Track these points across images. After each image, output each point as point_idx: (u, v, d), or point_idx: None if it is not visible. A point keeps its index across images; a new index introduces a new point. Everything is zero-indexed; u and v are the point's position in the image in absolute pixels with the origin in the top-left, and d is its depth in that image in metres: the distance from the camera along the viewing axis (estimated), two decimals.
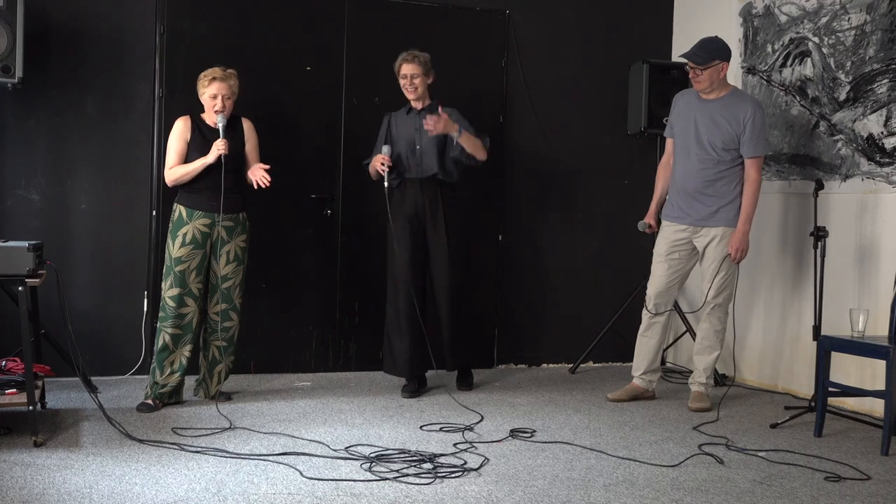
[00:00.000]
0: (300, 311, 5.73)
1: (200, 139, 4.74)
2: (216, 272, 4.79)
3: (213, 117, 4.76)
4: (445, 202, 5.20)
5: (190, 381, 4.97)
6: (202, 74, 4.77)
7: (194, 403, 4.80)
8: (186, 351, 4.74)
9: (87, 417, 4.43)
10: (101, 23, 5.31)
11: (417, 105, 5.19)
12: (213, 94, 4.73)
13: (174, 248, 4.69)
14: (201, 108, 4.82)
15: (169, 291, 4.69)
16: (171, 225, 4.74)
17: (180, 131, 4.76)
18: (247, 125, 4.92)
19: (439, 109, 4.98)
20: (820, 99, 5.38)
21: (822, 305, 4.83)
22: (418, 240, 5.18)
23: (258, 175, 4.75)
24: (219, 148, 4.65)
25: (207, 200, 4.71)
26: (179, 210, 4.72)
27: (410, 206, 5.16)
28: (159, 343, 4.70)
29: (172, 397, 4.75)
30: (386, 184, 5.02)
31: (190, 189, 4.72)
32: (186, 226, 4.69)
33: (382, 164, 5.03)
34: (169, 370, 4.70)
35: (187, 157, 4.73)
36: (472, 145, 5.07)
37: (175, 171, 4.72)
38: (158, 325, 4.72)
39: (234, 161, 4.76)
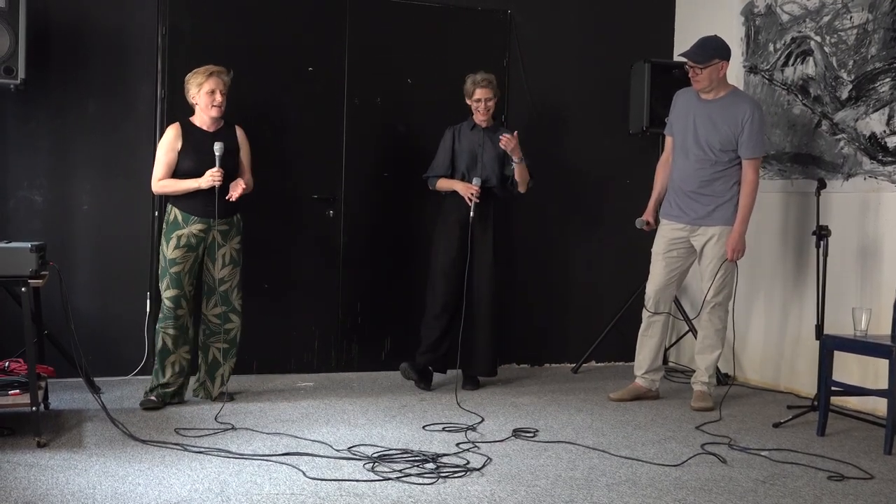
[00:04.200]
0: (302, 312, 5.73)
1: (192, 146, 4.69)
2: (212, 274, 4.79)
3: (209, 113, 4.70)
4: (497, 213, 5.38)
5: (191, 381, 4.99)
6: (193, 73, 4.73)
7: (197, 404, 4.80)
8: (185, 352, 4.77)
9: (90, 418, 4.43)
10: (102, 24, 5.31)
11: (483, 123, 5.37)
12: (211, 89, 4.68)
13: (168, 250, 4.69)
14: (190, 113, 4.80)
15: (167, 293, 4.71)
16: (165, 227, 4.74)
17: (170, 141, 4.71)
18: (240, 133, 4.90)
19: (514, 133, 5.22)
20: (822, 98, 5.38)
21: (824, 304, 4.83)
22: (464, 244, 5.27)
23: (237, 191, 4.72)
24: (215, 179, 4.61)
25: (204, 206, 4.68)
26: (175, 213, 4.71)
27: (465, 212, 5.25)
28: (159, 344, 4.73)
29: (175, 397, 4.78)
30: (472, 214, 5.20)
31: (186, 193, 4.70)
32: (182, 230, 4.69)
33: (473, 195, 5.20)
34: (171, 371, 4.72)
35: (178, 166, 4.69)
36: (522, 175, 5.31)
37: (164, 185, 4.70)
38: (158, 326, 4.75)
39: (229, 167, 4.73)
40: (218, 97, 4.70)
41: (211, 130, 4.75)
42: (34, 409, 3.95)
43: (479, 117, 5.34)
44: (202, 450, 3.93)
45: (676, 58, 6.01)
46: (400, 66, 5.87)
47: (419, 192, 5.62)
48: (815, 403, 4.73)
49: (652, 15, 6.47)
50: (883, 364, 4.43)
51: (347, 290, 5.82)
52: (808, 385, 5.35)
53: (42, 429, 3.98)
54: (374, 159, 5.85)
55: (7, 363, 4.42)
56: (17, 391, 4.08)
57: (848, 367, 4.97)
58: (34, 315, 4.33)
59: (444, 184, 5.38)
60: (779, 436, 4.50)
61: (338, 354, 5.82)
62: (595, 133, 6.34)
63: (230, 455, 3.87)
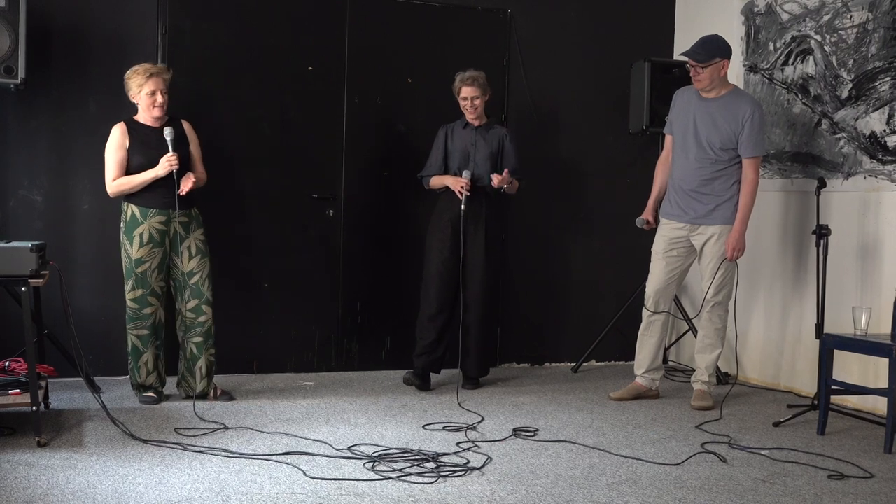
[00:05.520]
0: (302, 311, 5.73)
1: (140, 143, 4.67)
2: (181, 269, 4.76)
3: (152, 113, 4.68)
4: (489, 211, 5.35)
5: (171, 381, 4.98)
6: (133, 72, 4.68)
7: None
8: (156, 349, 4.77)
9: (90, 418, 4.44)
10: (102, 23, 5.31)
11: (475, 122, 5.37)
12: (151, 90, 4.64)
13: (133, 250, 4.66)
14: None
15: (130, 294, 4.70)
16: (123, 225, 4.70)
17: (118, 140, 4.67)
18: (187, 126, 4.87)
19: (505, 172, 5.22)
20: (822, 97, 5.38)
21: (824, 303, 4.83)
22: (456, 245, 5.28)
23: (187, 185, 4.66)
24: (171, 163, 4.59)
25: (161, 198, 4.65)
26: (132, 209, 4.66)
27: (457, 209, 5.25)
28: (129, 346, 4.75)
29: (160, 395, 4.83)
30: (463, 207, 5.19)
31: (141, 187, 4.66)
32: (142, 225, 4.65)
33: (462, 188, 5.21)
34: (145, 371, 4.76)
35: (129, 164, 4.66)
36: (510, 191, 5.41)
37: (120, 183, 4.64)
38: (127, 327, 4.75)
39: (182, 153, 4.70)
40: (159, 98, 4.67)
41: (157, 126, 4.72)
42: (34, 408, 3.95)
43: (469, 116, 5.35)
44: (202, 449, 3.93)
45: (677, 57, 6.02)
46: (400, 65, 5.87)
47: (419, 191, 5.62)
48: (816, 402, 4.73)
49: (652, 14, 6.47)
50: (883, 363, 4.43)
51: (347, 289, 5.82)
52: (808, 384, 5.35)
53: (42, 428, 3.98)
54: (373, 158, 5.85)
55: (7, 363, 4.42)
56: (18, 391, 4.08)
57: (848, 366, 4.97)
58: (34, 315, 4.34)
59: (436, 181, 5.39)
60: (779, 435, 4.50)
61: (338, 354, 5.82)
62: (595, 132, 6.34)
63: (230, 454, 3.87)
